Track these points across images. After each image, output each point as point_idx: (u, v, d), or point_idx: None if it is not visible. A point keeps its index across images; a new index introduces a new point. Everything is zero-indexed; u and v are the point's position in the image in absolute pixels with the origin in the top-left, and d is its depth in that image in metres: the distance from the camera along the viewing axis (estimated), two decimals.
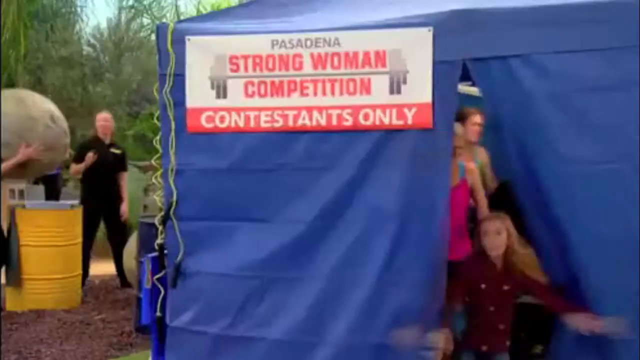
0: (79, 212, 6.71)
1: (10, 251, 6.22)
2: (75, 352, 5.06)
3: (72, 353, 5.04)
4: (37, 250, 6.30)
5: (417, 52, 3.29)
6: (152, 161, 3.80)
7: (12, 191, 7.23)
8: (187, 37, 3.48)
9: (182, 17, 12.89)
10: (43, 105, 6.59)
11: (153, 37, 14.92)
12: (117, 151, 7.35)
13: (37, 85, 11.43)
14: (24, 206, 6.52)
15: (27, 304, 6.21)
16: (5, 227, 6.29)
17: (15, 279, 6.23)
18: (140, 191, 9.64)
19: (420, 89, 3.30)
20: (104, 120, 7.30)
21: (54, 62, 13.14)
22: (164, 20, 14.51)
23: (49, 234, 6.40)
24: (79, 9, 13.84)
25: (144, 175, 9.92)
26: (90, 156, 6.88)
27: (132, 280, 6.44)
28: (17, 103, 6.36)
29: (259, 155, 3.46)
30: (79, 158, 7.05)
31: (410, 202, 3.29)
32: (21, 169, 6.28)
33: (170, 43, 3.49)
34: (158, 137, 3.61)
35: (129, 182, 9.17)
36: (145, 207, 9.10)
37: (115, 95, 13.92)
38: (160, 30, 3.54)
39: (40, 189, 7.44)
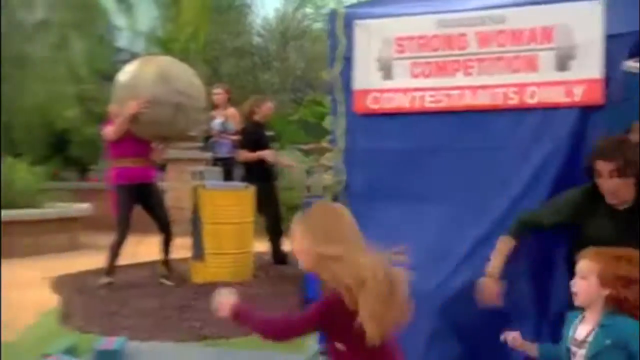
0: (251, 192, 7.10)
1: (195, 228, 6.76)
2: None
3: None
4: (215, 227, 6.76)
5: (586, 27, 3.18)
6: (323, 143, 3.98)
7: (193, 173, 7.81)
8: (355, 22, 3.61)
9: (344, 5, 13.17)
10: (161, 65, 6.64)
11: (316, 25, 15.44)
12: (271, 133, 7.83)
13: (213, 76, 12.21)
14: (204, 187, 7.01)
15: (207, 277, 6.67)
16: (190, 206, 6.83)
17: (199, 253, 6.76)
18: (303, 173, 10.01)
19: (589, 65, 3.19)
20: (269, 109, 7.75)
21: (228, 52, 13.97)
22: (325, 8, 14.92)
23: (226, 212, 6.82)
24: (250, 1, 14.62)
25: (307, 158, 10.28)
26: (267, 154, 7.29)
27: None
28: (141, 63, 6.67)
29: (424, 135, 3.51)
30: (245, 144, 7.54)
31: (573, 182, 3.19)
32: (135, 125, 6.34)
33: (340, 28, 3.64)
34: (326, 120, 3.77)
35: None
36: (308, 188, 9.42)
37: (281, 82, 14.54)
38: (332, 16, 3.70)
39: (218, 170, 7.96)
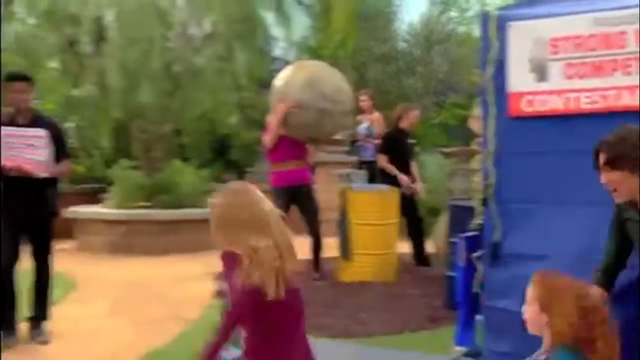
0: (395, 194, 7.21)
1: (342, 228, 6.98)
2: (394, 321, 5.44)
3: (391, 322, 5.42)
4: (361, 228, 6.91)
5: None
6: (472, 146, 3.97)
7: (341, 176, 8.02)
8: (508, 24, 3.58)
9: (487, 7, 12.95)
10: (311, 70, 6.84)
11: (460, 29, 15.30)
12: (412, 141, 7.87)
13: (360, 81, 12.43)
14: (351, 189, 7.21)
15: (354, 276, 6.84)
16: (338, 208, 7.07)
17: (347, 253, 6.95)
18: (444, 176, 9.95)
19: None
20: (415, 117, 7.84)
21: (375, 58, 14.16)
22: (470, 12, 14.74)
23: (371, 213, 6.97)
24: (396, 8, 14.74)
25: (448, 161, 10.22)
26: (402, 180, 7.41)
27: (440, 259, 6.75)
28: (293, 69, 6.92)
29: (579, 138, 3.39)
30: (385, 149, 7.67)
31: None
32: (285, 128, 6.61)
33: (493, 30, 3.62)
34: (469, 122, 3.76)
35: (433, 167, 9.59)
36: (449, 190, 9.35)
37: (424, 86, 14.51)
38: (484, 18, 3.69)
39: (363, 173, 8.12)
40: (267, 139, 6.72)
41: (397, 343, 4.92)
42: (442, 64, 14.78)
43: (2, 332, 4.58)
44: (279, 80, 6.84)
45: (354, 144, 9.15)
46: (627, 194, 2.85)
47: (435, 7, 15.64)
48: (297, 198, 6.75)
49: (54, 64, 9.46)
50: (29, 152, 4.62)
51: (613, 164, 2.79)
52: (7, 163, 4.56)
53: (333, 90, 6.70)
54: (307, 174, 6.94)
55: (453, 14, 15.53)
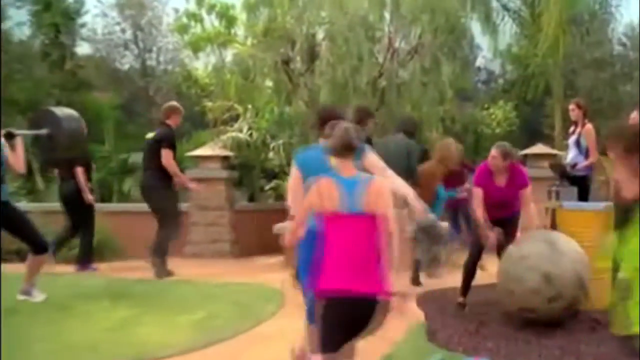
0: (609, 214, 6.66)
1: None
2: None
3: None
4: None
5: None
6: None
7: (549, 192, 7.61)
8: None
9: None
10: None
11: None
12: None
13: (568, 89, 11.78)
14: (560, 206, 6.80)
15: None
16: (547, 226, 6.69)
17: None
18: None
19: None
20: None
21: (586, 64, 13.31)
22: None
23: (582, 233, 6.50)
24: (613, 9, 13.71)
25: None
26: None
27: None
28: None
29: None
30: None
31: None
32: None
33: None
34: None
35: None
36: None
37: None
38: None
39: (573, 190, 7.65)
40: None
41: None
42: None
43: None
44: None
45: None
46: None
47: None
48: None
49: (268, 82, 10.06)
50: None
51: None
52: None
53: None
54: None
55: None
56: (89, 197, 7.85)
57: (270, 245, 7.92)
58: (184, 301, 6.10)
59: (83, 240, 7.93)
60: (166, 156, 7.33)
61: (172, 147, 7.43)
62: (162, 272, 7.36)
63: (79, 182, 7.76)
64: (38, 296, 5.91)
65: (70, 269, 7.79)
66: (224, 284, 6.95)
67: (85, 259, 7.89)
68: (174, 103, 7.90)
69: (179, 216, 7.81)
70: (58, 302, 5.87)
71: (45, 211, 8.47)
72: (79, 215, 7.84)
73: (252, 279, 7.26)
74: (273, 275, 7.14)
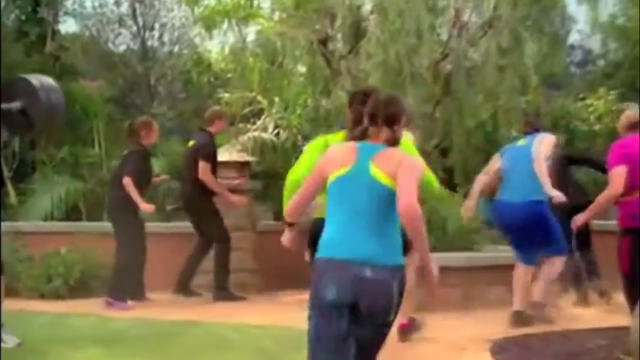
0: None
1: None
2: None
3: None
4: None
5: None
6: None
7: None
8: None
9: None
10: None
11: None
12: None
13: None
14: None
15: None
16: None
17: None
18: None
19: None
20: None
21: None
22: None
23: None
24: None
25: None
26: None
27: None
28: None
29: None
30: None
31: None
32: None
33: None
34: None
35: None
36: None
37: None
38: None
39: None
40: None
41: None
42: None
43: None
44: None
45: None
46: None
47: None
48: None
49: (300, 68, 10.06)
50: None
51: None
52: None
53: None
54: None
55: None
56: None
57: (300, 276, 7.86)
58: (192, 349, 6.11)
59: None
60: (203, 169, 8.05)
61: (210, 158, 8.19)
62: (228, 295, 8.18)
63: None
64: (9, 341, 5.94)
65: (47, 305, 7.86)
66: (242, 326, 6.95)
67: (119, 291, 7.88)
68: (220, 108, 8.97)
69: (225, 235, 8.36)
70: (33, 347, 5.89)
71: (18, 231, 8.59)
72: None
73: (277, 320, 7.23)
74: (304, 315, 7.10)
